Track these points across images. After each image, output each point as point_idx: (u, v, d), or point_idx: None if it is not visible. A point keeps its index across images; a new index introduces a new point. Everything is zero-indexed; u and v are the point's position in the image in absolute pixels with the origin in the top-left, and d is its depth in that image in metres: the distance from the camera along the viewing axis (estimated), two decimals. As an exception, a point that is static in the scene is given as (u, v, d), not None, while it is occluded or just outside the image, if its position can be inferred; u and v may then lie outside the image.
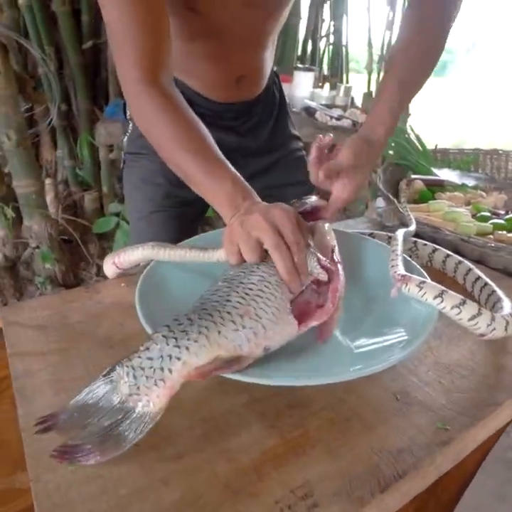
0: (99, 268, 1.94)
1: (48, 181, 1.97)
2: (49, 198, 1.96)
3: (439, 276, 0.72)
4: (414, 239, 0.77)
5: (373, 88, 2.71)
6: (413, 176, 1.12)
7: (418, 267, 0.60)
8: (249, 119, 0.89)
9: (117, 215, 2.00)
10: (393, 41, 2.52)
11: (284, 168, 0.95)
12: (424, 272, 0.58)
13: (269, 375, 0.42)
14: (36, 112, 1.99)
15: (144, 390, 0.38)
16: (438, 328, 0.58)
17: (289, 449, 0.41)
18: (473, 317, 0.49)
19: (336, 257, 0.56)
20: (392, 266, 0.57)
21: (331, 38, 2.80)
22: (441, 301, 0.50)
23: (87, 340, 0.56)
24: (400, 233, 0.68)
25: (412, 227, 0.77)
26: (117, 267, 0.62)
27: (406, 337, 0.48)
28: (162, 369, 0.39)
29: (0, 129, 1.50)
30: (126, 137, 0.91)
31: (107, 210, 2.11)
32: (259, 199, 0.57)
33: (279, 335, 0.45)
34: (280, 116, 0.95)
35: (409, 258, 0.62)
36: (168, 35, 0.61)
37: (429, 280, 0.52)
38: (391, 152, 1.17)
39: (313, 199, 0.63)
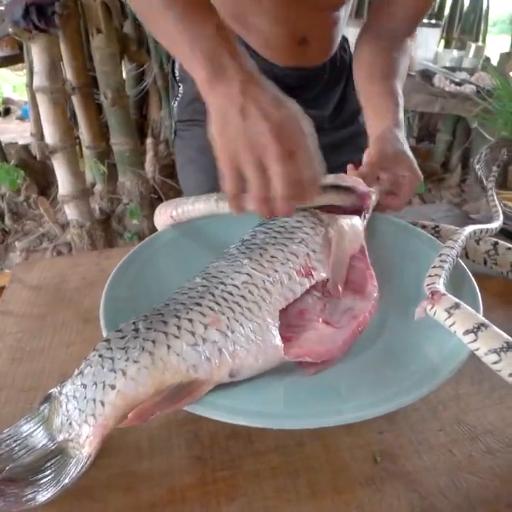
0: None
1: (149, 140, 2.04)
2: (148, 156, 2.03)
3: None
4: (495, 240, 0.58)
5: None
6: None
7: (473, 281, 0.44)
8: (313, 88, 0.75)
9: (208, 178, 2.00)
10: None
11: (353, 148, 0.79)
12: (477, 292, 0.42)
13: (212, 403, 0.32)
14: (146, 72, 2.06)
15: (76, 427, 0.31)
16: (482, 368, 0.41)
17: (200, 496, 0.32)
18: (518, 372, 0.33)
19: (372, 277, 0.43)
20: (430, 275, 0.42)
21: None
22: (475, 340, 0.34)
23: (69, 309, 0.53)
24: (466, 231, 0.51)
25: (494, 224, 0.58)
26: (174, 219, 0.53)
27: (415, 377, 0.34)
28: (94, 401, 0.30)
29: (100, 88, 1.58)
30: (176, 102, 0.81)
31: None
32: (251, 63, 0.41)
33: (254, 358, 0.34)
34: (350, 85, 0.79)
35: (464, 265, 0.46)
36: None
37: (466, 306, 0.37)
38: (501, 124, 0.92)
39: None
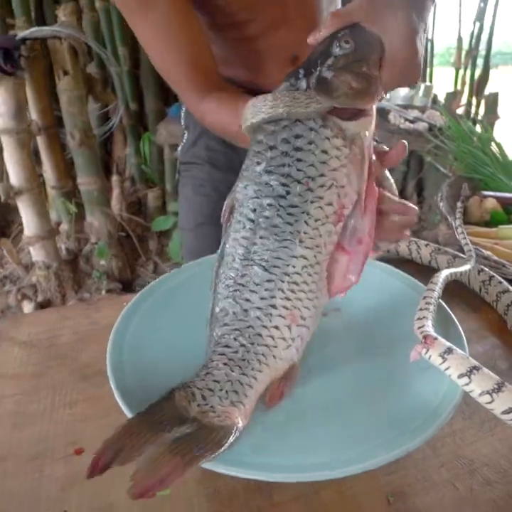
0: (157, 265, 1.97)
1: (114, 178, 2.04)
2: (115, 193, 2.03)
3: (500, 325, 0.58)
4: (492, 273, 0.63)
5: (460, 87, 2.43)
6: (484, 193, 0.95)
7: (457, 324, 0.48)
8: None
9: (176, 214, 2.02)
10: (483, 33, 2.25)
11: None
12: (461, 332, 0.46)
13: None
14: (111, 111, 2.07)
15: (220, 409, 0.35)
16: (470, 402, 0.45)
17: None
18: (510, 410, 0.37)
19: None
20: (419, 318, 0.46)
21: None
22: (469, 383, 0.38)
23: (65, 366, 0.53)
24: (443, 274, 0.55)
25: (467, 266, 0.61)
26: None
27: (418, 419, 0.37)
28: (236, 392, 0.36)
29: (67, 128, 1.58)
30: (180, 146, 0.90)
31: (169, 209, 2.14)
32: None
33: (316, 321, 0.41)
34: None
35: (446, 307, 0.50)
36: (208, 45, 0.63)
37: (457, 350, 0.40)
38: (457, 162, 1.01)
39: None
